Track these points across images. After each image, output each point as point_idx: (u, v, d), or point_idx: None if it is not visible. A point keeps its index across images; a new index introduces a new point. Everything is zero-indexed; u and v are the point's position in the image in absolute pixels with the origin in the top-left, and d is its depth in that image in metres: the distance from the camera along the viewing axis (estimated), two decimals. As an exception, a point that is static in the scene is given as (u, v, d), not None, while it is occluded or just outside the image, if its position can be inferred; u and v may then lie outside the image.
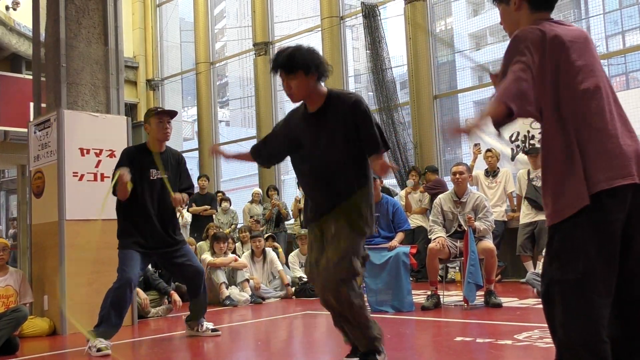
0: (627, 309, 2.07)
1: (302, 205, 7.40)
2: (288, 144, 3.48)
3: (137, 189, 4.63)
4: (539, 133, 2.20)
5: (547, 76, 2.06)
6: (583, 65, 2.10)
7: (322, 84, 3.35)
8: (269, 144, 3.63)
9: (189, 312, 5.04)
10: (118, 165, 4.67)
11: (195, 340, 4.84)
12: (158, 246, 4.71)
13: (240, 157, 3.86)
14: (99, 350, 4.27)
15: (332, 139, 3.28)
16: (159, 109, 4.83)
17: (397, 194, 9.20)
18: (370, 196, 3.37)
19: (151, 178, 4.70)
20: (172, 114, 4.83)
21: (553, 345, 2.08)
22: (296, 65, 3.20)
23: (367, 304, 5.98)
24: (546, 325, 2.11)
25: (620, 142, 2.04)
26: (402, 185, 9.64)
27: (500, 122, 2.01)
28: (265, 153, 3.65)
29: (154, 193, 4.70)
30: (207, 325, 4.96)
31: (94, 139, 5.80)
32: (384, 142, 3.29)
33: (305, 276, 7.80)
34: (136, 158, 4.70)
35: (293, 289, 7.80)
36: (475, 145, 8.70)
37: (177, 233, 4.90)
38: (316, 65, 3.24)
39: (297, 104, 3.49)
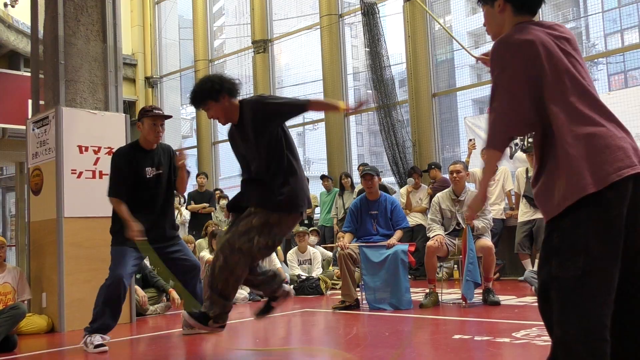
0: (625, 305, 2.06)
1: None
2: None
3: (133, 188, 4.62)
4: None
5: (537, 76, 2.08)
6: (569, 65, 2.11)
7: (237, 99, 3.78)
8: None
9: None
10: (115, 172, 4.67)
11: (193, 337, 4.83)
12: (154, 241, 4.68)
13: None
14: (96, 347, 4.29)
15: (250, 142, 3.69)
16: (154, 110, 4.79)
17: (394, 192, 9.20)
18: (288, 182, 3.69)
19: (147, 176, 4.69)
20: (167, 117, 4.85)
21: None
22: (202, 98, 3.66)
23: (365, 301, 6.02)
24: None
25: (618, 135, 2.04)
26: (401, 184, 9.64)
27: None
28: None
29: (150, 190, 4.69)
30: None
31: (93, 136, 5.80)
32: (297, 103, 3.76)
33: (303, 274, 7.82)
34: (131, 158, 4.69)
35: (291, 286, 7.80)
36: (470, 140, 8.70)
37: (174, 229, 4.91)
38: (219, 90, 3.63)
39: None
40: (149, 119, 4.71)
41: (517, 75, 2.09)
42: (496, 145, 2.17)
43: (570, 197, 1.99)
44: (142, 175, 4.68)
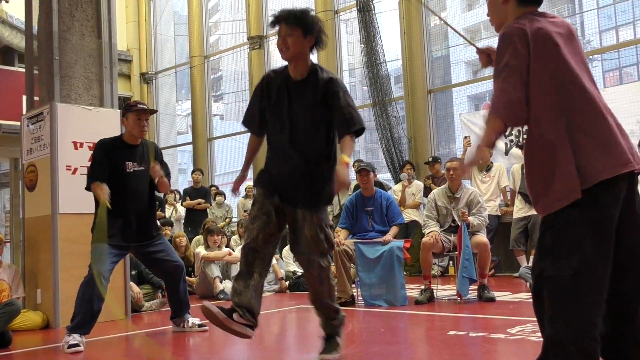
0: (617, 304, 2.06)
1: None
2: (268, 108, 3.49)
3: (113, 182, 4.49)
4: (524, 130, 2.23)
5: (537, 73, 2.06)
6: (572, 60, 2.10)
7: (312, 55, 3.40)
8: (253, 111, 3.61)
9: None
10: (94, 162, 4.56)
11: (189, 334, 4.83)
12: (134, 240, 4.61)
13: (246, 165, 3.86)
14: (70, 346, 4.18)
15: (309, 110, 3.36)
16: (138, 105, 4.70)
17: (390, 188, 9.21)
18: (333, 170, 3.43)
19: (127, 171, 4.61)
20: (152, 112, 4.77)
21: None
22: (299, 20, 3.24)
23: (360, 298, 6.03)
24: (540, 319, 2.11)
25: (615, 133, 2.03)
26: (397, 180, 9.64)
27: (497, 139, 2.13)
28: (256, 120, 3.61)
29: (129, 186, 4.59)
30: (193, 320, 4.90)
31: (88, 132, 5.77)
32: (354, 124, 3.31)
33: (299, 270, 7.82)
34: (112, 151, 4.61)
35: (287, 282, 7.80)
36: (466, 137, 8.71)
37: (154, 227, 4.78)
38: (317, 31, 3.30)
39: (274, 70, 3.54)
40: (133, 113, 4.63)
41: (524, 58, 2.05)
42: (500, 112, 2.07)
43: (563, 199, 1.98)
44: (122, 168, 4.58)
